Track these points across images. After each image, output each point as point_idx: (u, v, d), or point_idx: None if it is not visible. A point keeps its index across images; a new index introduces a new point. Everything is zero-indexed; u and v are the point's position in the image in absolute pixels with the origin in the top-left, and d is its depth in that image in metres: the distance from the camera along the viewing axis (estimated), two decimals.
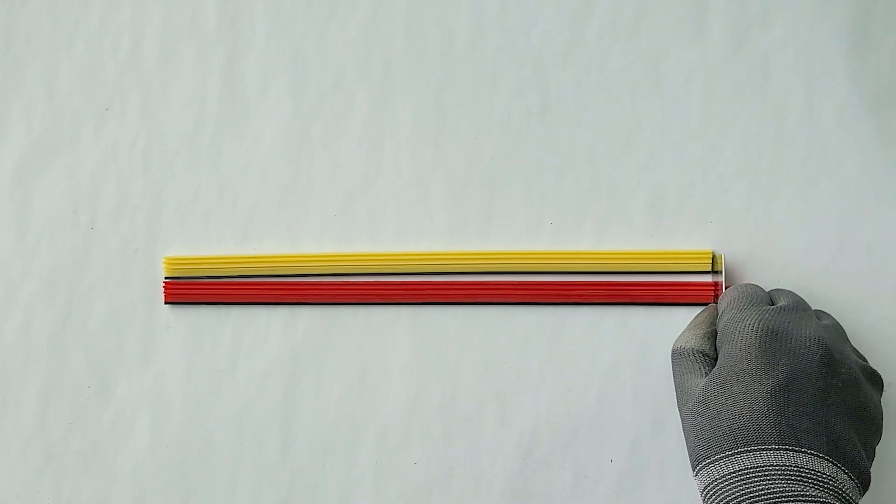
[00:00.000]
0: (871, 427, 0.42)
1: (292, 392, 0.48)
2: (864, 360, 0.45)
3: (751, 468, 0.38)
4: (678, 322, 0.47)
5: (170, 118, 0.50)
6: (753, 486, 0.38)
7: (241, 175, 0.49)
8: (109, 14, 0.50)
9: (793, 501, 0.37)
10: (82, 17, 0.50)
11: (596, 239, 0.49)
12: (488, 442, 0.47)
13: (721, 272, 0.48)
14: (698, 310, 0.47)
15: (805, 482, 0.38)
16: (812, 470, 0.38)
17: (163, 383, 0.48)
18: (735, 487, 0.38)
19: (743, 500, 0.37)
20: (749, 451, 0.39)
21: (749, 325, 0.42)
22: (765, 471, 0.38)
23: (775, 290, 0.46)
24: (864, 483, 0.41)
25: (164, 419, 0.48)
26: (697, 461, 0.40)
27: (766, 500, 0.37)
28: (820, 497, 0.37)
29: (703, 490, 0.39)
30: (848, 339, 0.45)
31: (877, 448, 0.43)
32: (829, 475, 0.38)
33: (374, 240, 0.49)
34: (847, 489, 0.39)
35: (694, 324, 0.46)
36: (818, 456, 0.39)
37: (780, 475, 0.38)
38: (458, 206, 0.49)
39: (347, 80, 0.50)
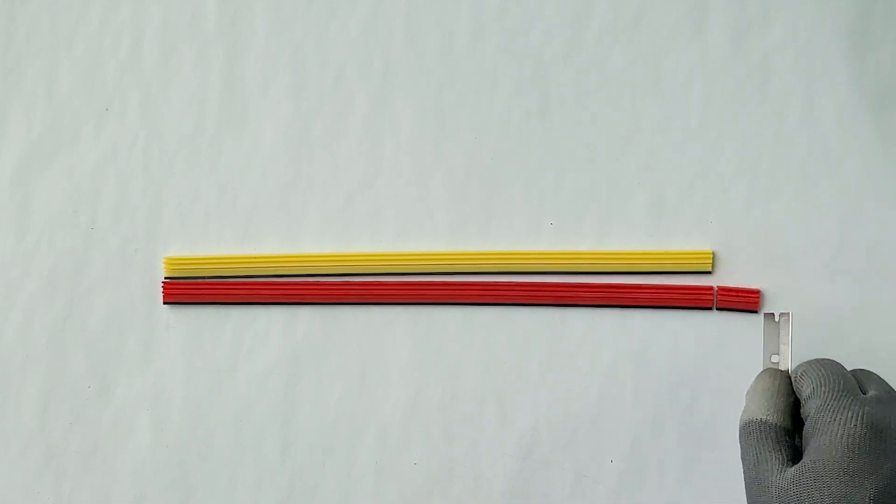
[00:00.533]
0: None
1: (292, 392, 0.48)
2: None
3: None
4: (677, 325, 0.48)
5: (170, 118, 0.50)
6: None
7: (241, 175, 0.50)
8: (109, 14, 0.50)
9: None
10: (82, 18, 0.50)
11: (596, 239, 0.49)
12: (488, 442, 0.47)
13: (711, 272, 0.48)
14: (697, 314, 0.47)
15: None
16: None
17: (163, 383, 0.49)
18: None
19: None
20: None
21: (851, 418, 0.38)
22: None
23: (858, 370, 0.43)
24: None
25: (164, 419, 0.48)
26: None
27: None
28: None
29: None
30: None
31: None
32: None
33: (374, 240, 0.49)
34: None
35: (766, 392, 0.41)
36: None
37: None
38: (458, 206, 0.49)
39: (347, 80, 0.50)
